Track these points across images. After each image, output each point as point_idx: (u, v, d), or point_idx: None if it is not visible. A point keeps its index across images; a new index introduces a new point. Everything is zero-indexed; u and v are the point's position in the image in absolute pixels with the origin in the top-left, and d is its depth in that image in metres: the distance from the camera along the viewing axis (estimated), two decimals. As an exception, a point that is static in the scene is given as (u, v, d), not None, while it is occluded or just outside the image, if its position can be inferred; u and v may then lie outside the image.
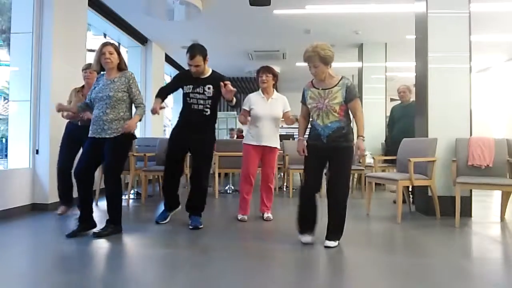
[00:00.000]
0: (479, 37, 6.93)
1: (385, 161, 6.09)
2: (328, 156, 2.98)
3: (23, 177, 4.37)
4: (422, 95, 4.48)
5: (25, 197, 4.35)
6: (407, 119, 5.29)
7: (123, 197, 5.42)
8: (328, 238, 2.94)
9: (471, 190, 4.17)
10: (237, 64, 10.10)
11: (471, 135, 4.25)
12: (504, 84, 9.71)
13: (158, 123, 8.67)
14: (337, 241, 2.94)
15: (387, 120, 5.85)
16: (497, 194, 5.24)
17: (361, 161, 6.25)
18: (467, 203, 4.13)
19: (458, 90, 4.29)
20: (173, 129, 3.80)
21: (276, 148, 4.00)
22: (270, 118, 3.92)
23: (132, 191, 5.41)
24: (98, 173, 4.96)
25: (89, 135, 3.29)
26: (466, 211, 4.11)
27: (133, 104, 3.41)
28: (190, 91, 3.56)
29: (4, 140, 5.78)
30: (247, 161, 3.94)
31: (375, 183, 4.89)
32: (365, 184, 5.15)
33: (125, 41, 7.61)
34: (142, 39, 7.77)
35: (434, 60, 4.32)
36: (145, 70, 8.09)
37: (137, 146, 5.87)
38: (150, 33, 7.70)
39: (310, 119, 3.08)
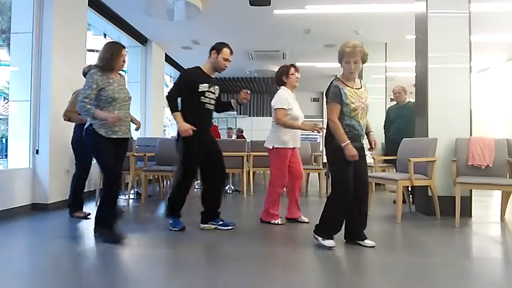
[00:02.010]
0: (479, 37, 6.93)
1: (385, 161, 6.09)
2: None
3: (23, 177, 4.37)
4: (422, 95, 4.48)
5: (25, 197, 4.35)
6: (402, 120, 5.33)
7: (124, 197, 5.45)
8: (365, 237, 3.00)
9: (471, 190, 4.17)
10: (237, 64, 10.09)
11: (471, 135, 4.26)
12: (504, 84, 9.71)
13: (158, 123, 8.67)
14: None
15: (384, 121, 5.86)
16: (497, 194, 5.24)
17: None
18: (467, 203, 4.13)
19: (458, 90, 4.29)
20: (191, 136, 3.35)
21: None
22: (302, 119, 3.84)
23: (132, 191, 5.41)
24: (98, 173, 4.98)
25: (115, 137, 3.16)
26: (466, 211, 4.11)
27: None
28: (206, 89, 3.45)
29: (4, 140, 5.78)
30: (285, 166, 3.78)
31: (375, 183, 4.89)
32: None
33: (125, 41, 7.60)
34: (142, 39, 7.78)
35: (434, 60, 4.32)
36: (145, 70, 8.10)
37: (137, 146, 5.88)
38: (150, 33, 7.70)
39: (344, 119, 2.92)
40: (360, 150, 2.94)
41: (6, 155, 4.66)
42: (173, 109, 3.41)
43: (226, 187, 6.36)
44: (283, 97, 3.76)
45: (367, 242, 2.97)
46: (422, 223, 3.94)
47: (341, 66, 3.00)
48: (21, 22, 4.52)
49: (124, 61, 3.25)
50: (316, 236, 2.98)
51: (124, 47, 3.29)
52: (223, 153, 5.60)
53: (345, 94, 2.90)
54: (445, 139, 4.24)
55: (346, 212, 2.93)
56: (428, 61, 4.33)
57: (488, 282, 2.31)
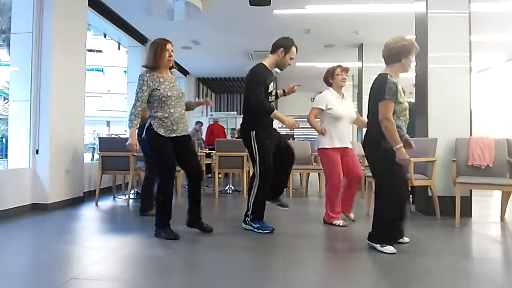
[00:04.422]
0: (479, 37, 6.93)
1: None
2: None
3: (23, 177, 4.37)
4: (422, 95, 4.48)
5: (25, 197, 4.35)
6: None
7: (124, 196, 5.45)
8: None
9: (471, 190, 4.17)
10: (237, 64, 10.10)
11: (471, 135, 4.26)
12: (504, 84, 9.71)
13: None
14: None
15: None
16: (497, 194, 5.24)
17: (361, 161, 6.26)
18: (467, 203, 4.13)
19: (458, 90, 4.29)
20: (261, 135, 3.37)
21: (352, 148, 3.83)
22: (348, 118, 3.76)
23: (132, 191, 5.41)
24: (98, 171, 4.98)
25: (174, 135, 3.15)
26: (466, 211, 4.11)
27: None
28: (272, 89, 3.45)
29: (4, 140, 5.77)
30: (336, 166, 3.67)
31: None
32: (365, 184, 5.15)
33: (125, 41, 7.61)
34: (142, 39, 7.77)
35: (434, 60, 4.32)
36: (145, 70, 8.09)
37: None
38: (150, 33, 7.69)
39: (394, 120, 2.77)
40: None
41: (6, 155, 4.66)
42: (270, 109, 3.34)
43: (226, 187, 6.37)
44: (321, 97, 3.79)
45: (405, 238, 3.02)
46: (422, 223, 3.94)
47: (395, 62, 2.85)
48: (21, 22, 4.52)
49: (170, 56, 3.15)
50: (373, 244, 2.86)
51: (168, 41, 3.17)
52: (222, 153, 5.67)
53: (399, 92, 2.78)
54: (445, 139, 4.24)
55: (398, 216, 2.86)
56: (428, 61, 4.33)
57: (488, 282, 2.31)
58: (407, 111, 2.86)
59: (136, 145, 3.11)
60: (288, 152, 3.58)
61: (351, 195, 3.89)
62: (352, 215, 3.89)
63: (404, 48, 2.82)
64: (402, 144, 2.73)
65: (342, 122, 3.73)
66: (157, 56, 3.10)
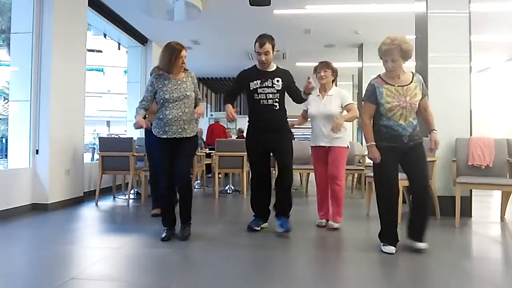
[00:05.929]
0: (479, 37, 6.93)
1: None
2: (405, 156, 2.82)
3: (23, 177, 4.37)
4: (422, 95, 4.48)
5: (25, 197, 4.35)
6: None
7: (124, 196, 5.45)
8: (418, 239, 2.82)
9: (471, 190, 4.17)
10: (237, 64, 10.03)
11: (471, 135, 4.26)
12: (504, 84, 9.71)
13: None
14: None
15: None
16: (497, 194, 5.24)
17: (361, 161, 6.26)
18: (467, 203, 4.13)
19: (458, 90, 4.30)
20: (247, 134, 3.59)
21: (338, 147, 3.63)
22: (322, 116, 3.66)
23: (132, 191, 5.41)
24: (98, 171, 4.99)
25: (165, 137, 3.16)
26: (466, 211, 4.12)
27: None
28: (258, 86, 3.43)
29: (4, 140, 5.76)
30: (313, 164, 3.84)
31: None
32: (365, 184, 5.15)
33: (125, 41, 7.61)
34: (142, 39, 7.77)
35: (434, 60, 4.33)
36: (145, 70, 8.07)
37: (137, 146, 5.88)
38: (150, 33, 7.70)
39: (382, 119, 2.82)
40: (404, 151, 2.80)
41: (6, 155, 4.66)
42: (224, 103, 3.53)
43: (226, 187, 6.37)
44: None
45: (419, 244, 2.81)
46: (422, 223, 3.93)
47: None
48: (21, 22, 4.52)
49: (183, 63, 3.19)
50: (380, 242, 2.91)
51: (183, 47, 3.20)
52: (222, 153, 5.67)
53: (380, 93, 2.77)
54: (445, 139, 4.23)
55: (393, 215, 2.84)
56: (428, 61, 4.33)
57: (488, 282, 2.31)
58: (398, 111, 2.76)
59: (143, 122, 3.12)
60: (282, 177, 3.51)
61: (327, 197, 3.72)
62: (331, 223, 3.61)
63: (378, 51, 2.81)
64: (373, 144, 2.79)
65: (314, 121, 3.74)
66: (171, 62, 3.14)
